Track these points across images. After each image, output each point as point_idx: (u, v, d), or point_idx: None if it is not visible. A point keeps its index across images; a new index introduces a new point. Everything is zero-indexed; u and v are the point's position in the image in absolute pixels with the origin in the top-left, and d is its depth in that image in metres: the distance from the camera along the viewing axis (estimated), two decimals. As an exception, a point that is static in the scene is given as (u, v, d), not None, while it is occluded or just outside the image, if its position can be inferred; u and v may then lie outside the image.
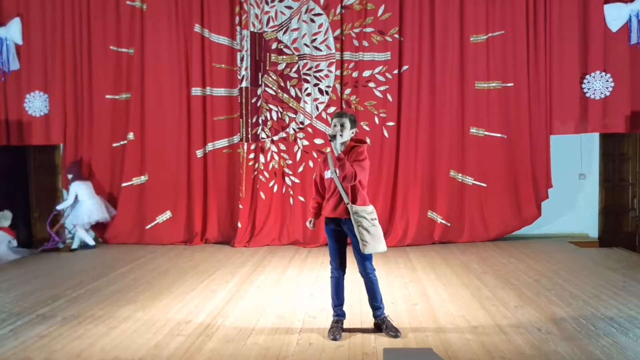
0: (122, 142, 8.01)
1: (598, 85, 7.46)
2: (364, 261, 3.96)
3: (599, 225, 8.14)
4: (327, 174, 3.99)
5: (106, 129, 8.02)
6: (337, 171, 3.82)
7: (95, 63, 7.95)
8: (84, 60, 7.95)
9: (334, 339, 3.89)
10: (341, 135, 3.89)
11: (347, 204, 3.85)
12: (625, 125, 7.49)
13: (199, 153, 7.92)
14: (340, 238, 4.05)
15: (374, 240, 3.83)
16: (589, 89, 7.49)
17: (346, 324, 4.17)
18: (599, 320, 4.20)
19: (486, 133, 7.63)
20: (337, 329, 4.00)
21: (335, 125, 3.92)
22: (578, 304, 4.63)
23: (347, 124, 3.92)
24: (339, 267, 4.07)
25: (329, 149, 3.85)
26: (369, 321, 4.26)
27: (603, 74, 7.44)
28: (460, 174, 7.68)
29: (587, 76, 7.49)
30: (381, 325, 4.03)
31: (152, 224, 7.92)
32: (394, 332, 3.95)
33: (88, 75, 7.97)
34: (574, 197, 8.01)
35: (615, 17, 7.35)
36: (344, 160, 3.79)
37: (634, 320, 4.17)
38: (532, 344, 3.74)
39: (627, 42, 7.38)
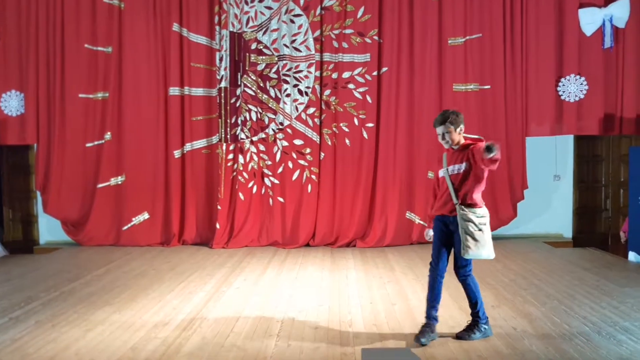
0: (97, 142, 7.87)
1: (573, 88, 7.60)
2: (459, 264, 3.84)
3: (573, 225, 8.29)
4: (441, 173, 3.94)
5: (80, 128, 7.86)
6: (451, 169, 3.81)
7: (69, 61, 7.78)
8: (57, 58, 7.78)
9: (417, 342, 3.76)
10: (450, 141, 3.87)
11: (456, 204, 3.76)
12: (599, 127, 7.65)
13: (177, 153, 7.84)
14: (444, 236, 3.91)
15: (477, 246, 3.68)
16: (564, 91, 7.62)
17: (324, 323, 4.18)
18: (573, 319, 4.28)
19: (464, 135, 7.69)
20: (424, 332, 3.83)
21: (442, 138, 3.90)
22: (553, 303, 4.70)
23: (449, 129, 3.85)
24: (436, 265, 3.91)
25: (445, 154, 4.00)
26: (347, 321, 4.27)
27: (578, 77, 7.59)
28: (438, 175, 7.73)
29: (562, 79, 7.62)
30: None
31: (129, 225, 7.81)
32: (466, 335, 3.85)
33: (61, 74, 7.79)
34: (549, 198, 8.15)
35: (589, 21, 7.51)
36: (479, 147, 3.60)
37: (606, 319, 4.26)
38: (508, 343, 3.79)
39: (600, 46, 7.54)
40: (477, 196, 3.78)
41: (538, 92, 7.66)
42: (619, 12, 7.43)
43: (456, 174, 3.81)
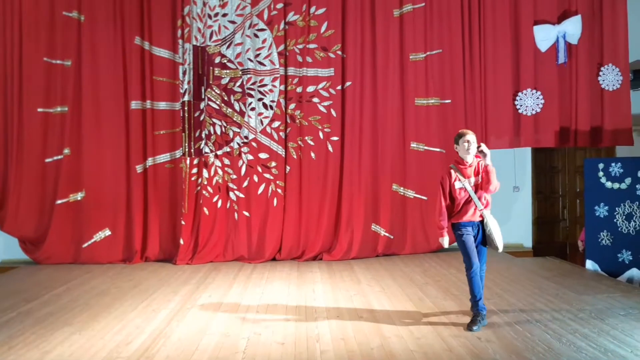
0: (56, 158, 7.66)
1: (529, 102, 7.86)
2: (482, 261, 4.53)
3: (533, 235, 8.52)
4: (458, 184, 4.48)
5: (38, 143, 7.64)
6: (472, 181, 4.46)
7: (27, 75, 7.59)
8: (15, 71, 7.57)
9: (470, 330, 4.29)
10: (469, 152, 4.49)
11: (480, 210, 4.43)
12: (555, 140, 7.91)
13: (139, 168, 7.70)
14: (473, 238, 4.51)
15: (501, 242, 4.48)
16: (521, 105, 7.87)
17: (292, 338, 4.16)
18: (535, 327, 4.38)
19: (426, 148, 7.86)
20: (476, 322, 4.35)
21: (474, 143, 4.47)
22: (515, 312, 4.81)
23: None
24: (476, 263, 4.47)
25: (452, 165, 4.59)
26: (314, 335, 4.26)
27: (534, 91, 7.85)
28: (402, 188, 7.85)
29: (520, 93, 7.87)
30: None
31: (89, 242, 7.60)
32: (469, 327, 4.32)
33: (19, 88, 7.59)
34: (508, 209, 8.35)
35: (544, 37, 7.80)
36: (492, 171, 4.45)
37: (566, 327, 4.38)
38: (473, 352, 3.85)
39: (555, 61, 7.83)
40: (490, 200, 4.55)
41: (496, 106, 7.89)
42: (572, 29, 7.75)
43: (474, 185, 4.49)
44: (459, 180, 4.46)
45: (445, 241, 4.61)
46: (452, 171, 4.51)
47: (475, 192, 4.46)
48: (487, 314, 4.49)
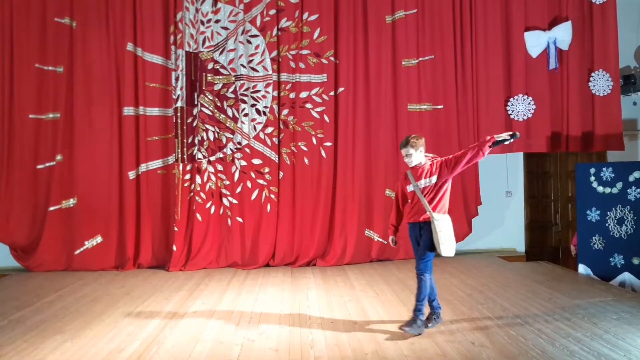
0: (48, 164, 7.62)
1: (521, 107, 7.90)
2: (420, 261, 4.43)
3: (525, 240, 8.56)
4: (410, 188, 4.50)
5: (30, 150, 7.60)
6: (420, 184, 4.42)
7: (19, 81, 7.55)
8: (6, 78, 7.53)
9: (426, 327, 4.41)
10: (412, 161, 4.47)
11: (429, 212, 4.36)
12: (547, 145, 7.96)
13: (132, 174, 7.67)
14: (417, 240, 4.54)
15: (450, 245, 4.38)
16: (512, 110, 7.92)
17: (286, 345, 4.14)
18: (528, 331, 4.39)
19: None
20: (432, 319, 4.51)
21: (406, 157, 4.49)
22: (508, 317, 4.82)
23: (411, 151, 4.44)
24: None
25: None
26: (309, 342, 4.24)
27: (525, 97, 7.90)
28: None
29: (511, 99, 7.92)
30: (410, 319, 4.42)
31: (82, 249, 7.55)
32: (406, 327, 4.35)
33: (10, 94, 7.55)
34: (501, 214, 8.39)
35: (535, 44, 7.86)
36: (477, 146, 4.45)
37: (560, 331, 4.39)
38: (466, 357, 3.85)
39: (546, 67, 7.90)
40: (445, 203, 4.49)
41: (488, 111, 7.93)
42: (562, 35, 7.82)
43: (426, 187, 4.43)
44: (410, 183, 4.50)
45: (391, 240, 4.78)
46: (408, 175, 4.55)
47: (428, 193, 4.42)
48: (480, 317, 4.50)
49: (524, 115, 7.90)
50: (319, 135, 7.77)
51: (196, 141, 7.70)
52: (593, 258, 6.56)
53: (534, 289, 5.91)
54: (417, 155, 4.46)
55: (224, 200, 7.72)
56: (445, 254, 4.34)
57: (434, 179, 4.40)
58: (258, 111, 7.74)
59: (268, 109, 7.74)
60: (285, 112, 7.77)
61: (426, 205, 4.38)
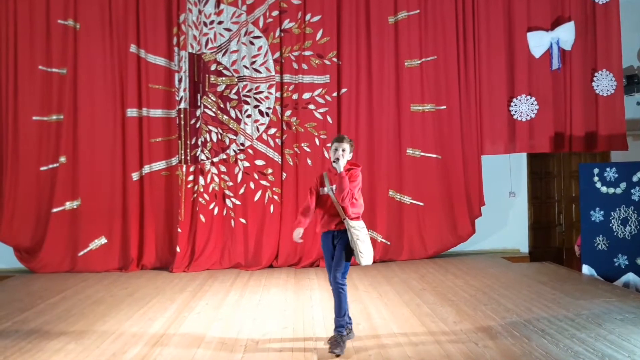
0: (51, 166, 7.65)
1: (524, 108, 7.89)
2: (337, 272, 4.12)
3: (529, 240, 8.54)
4: (323, 190, 4.21)
5: (33, 151, 7.63)
6: (334, 188, 4.09)
7: (22, 83, 7.58)
8: (10, 80, 7.57)
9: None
10: (343, 158, 4.13)
11: (344, 219, 4.09)
12: (550, 145, 7.96)
13: (135, 176, 7.68)
14: (332, 249, 4.21)
15: (369, 253, 4.13)
16: (515, 111, 7.91)
17: (289, 346, 4.14)
18: (532, 332, 4.38)
19: (422, 154, 7.88)
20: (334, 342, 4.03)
21: (336, 150, 4.15)
22: (512, 318, 4.81)
23: (347, 148, 4.18)
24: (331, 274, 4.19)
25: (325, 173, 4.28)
26: (312, 342, 4.24)
27: (528, 97, 7.89)
28: (398, 194, 7.86)
29: (514, 99, 7.91)
30: (334, 338, 4.02)
31: (85, 250, 7.57)
32: (336, 349, 3.92)
33: (14, 96, 7.58)
34: (505, 214, 8.37)
35: (537, 44, 7.85)
36: (344, 177, 4.06)
37: (564, 332, 4.38)
38: (470, 358, 3.84)
39: (549, 67, 7.89)
40: (358, 210, 4.21)
41: (491, 112, 7.93)
42: (565, 35, 7.81)
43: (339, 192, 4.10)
44: (325, 186, 4.19)
45: (297, 234, 4.27)
46: (324, 177, 4.22)
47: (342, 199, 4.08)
48: (484, 318, 4.48)
49: (527, 115, 7.89)
50: (321, 136, 7.78)
51: (199, 142, 7.72)
52: (597, 259, 6.54)
53: (537, 289, 5.89)
54: (347, 157, 4.17)
55: (227, 201, 7.73)
56: (365, 264, 4.10)
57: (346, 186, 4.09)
58: (261, 112, 7.75)
59: (271, 110, 7.75)
60: (288, 113, 7.78)
61: (341, 211, 4.10)
